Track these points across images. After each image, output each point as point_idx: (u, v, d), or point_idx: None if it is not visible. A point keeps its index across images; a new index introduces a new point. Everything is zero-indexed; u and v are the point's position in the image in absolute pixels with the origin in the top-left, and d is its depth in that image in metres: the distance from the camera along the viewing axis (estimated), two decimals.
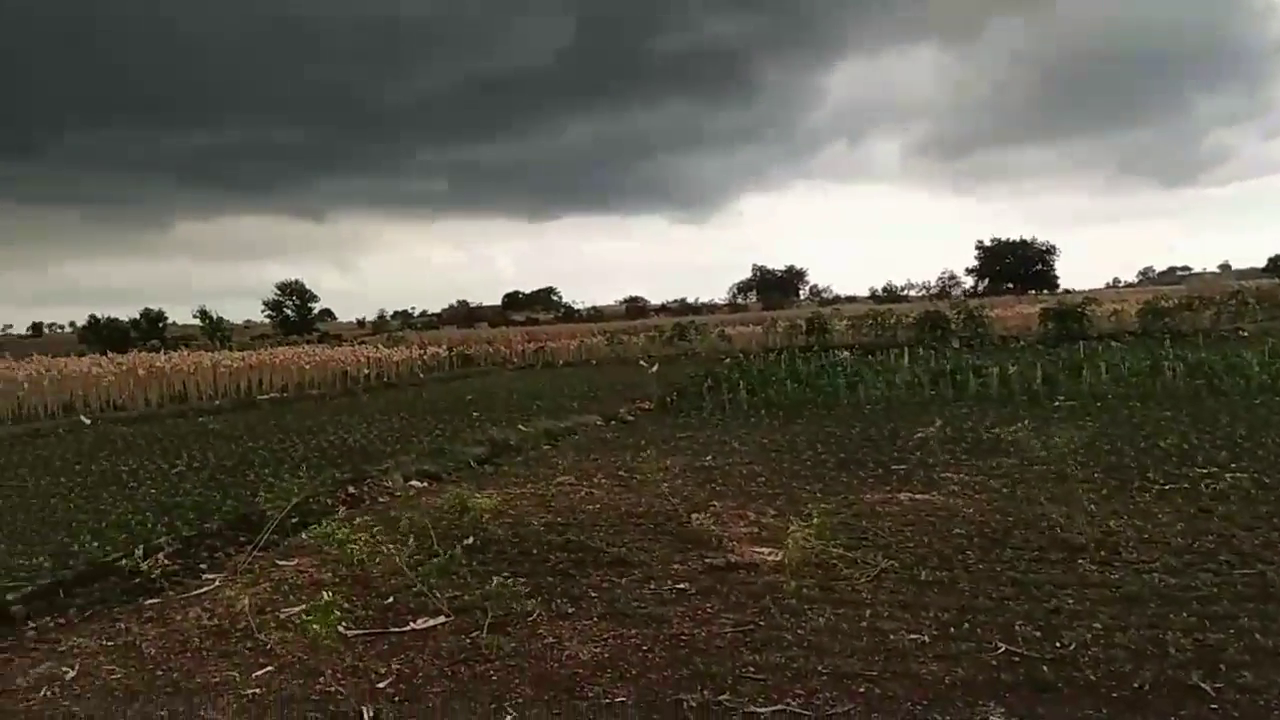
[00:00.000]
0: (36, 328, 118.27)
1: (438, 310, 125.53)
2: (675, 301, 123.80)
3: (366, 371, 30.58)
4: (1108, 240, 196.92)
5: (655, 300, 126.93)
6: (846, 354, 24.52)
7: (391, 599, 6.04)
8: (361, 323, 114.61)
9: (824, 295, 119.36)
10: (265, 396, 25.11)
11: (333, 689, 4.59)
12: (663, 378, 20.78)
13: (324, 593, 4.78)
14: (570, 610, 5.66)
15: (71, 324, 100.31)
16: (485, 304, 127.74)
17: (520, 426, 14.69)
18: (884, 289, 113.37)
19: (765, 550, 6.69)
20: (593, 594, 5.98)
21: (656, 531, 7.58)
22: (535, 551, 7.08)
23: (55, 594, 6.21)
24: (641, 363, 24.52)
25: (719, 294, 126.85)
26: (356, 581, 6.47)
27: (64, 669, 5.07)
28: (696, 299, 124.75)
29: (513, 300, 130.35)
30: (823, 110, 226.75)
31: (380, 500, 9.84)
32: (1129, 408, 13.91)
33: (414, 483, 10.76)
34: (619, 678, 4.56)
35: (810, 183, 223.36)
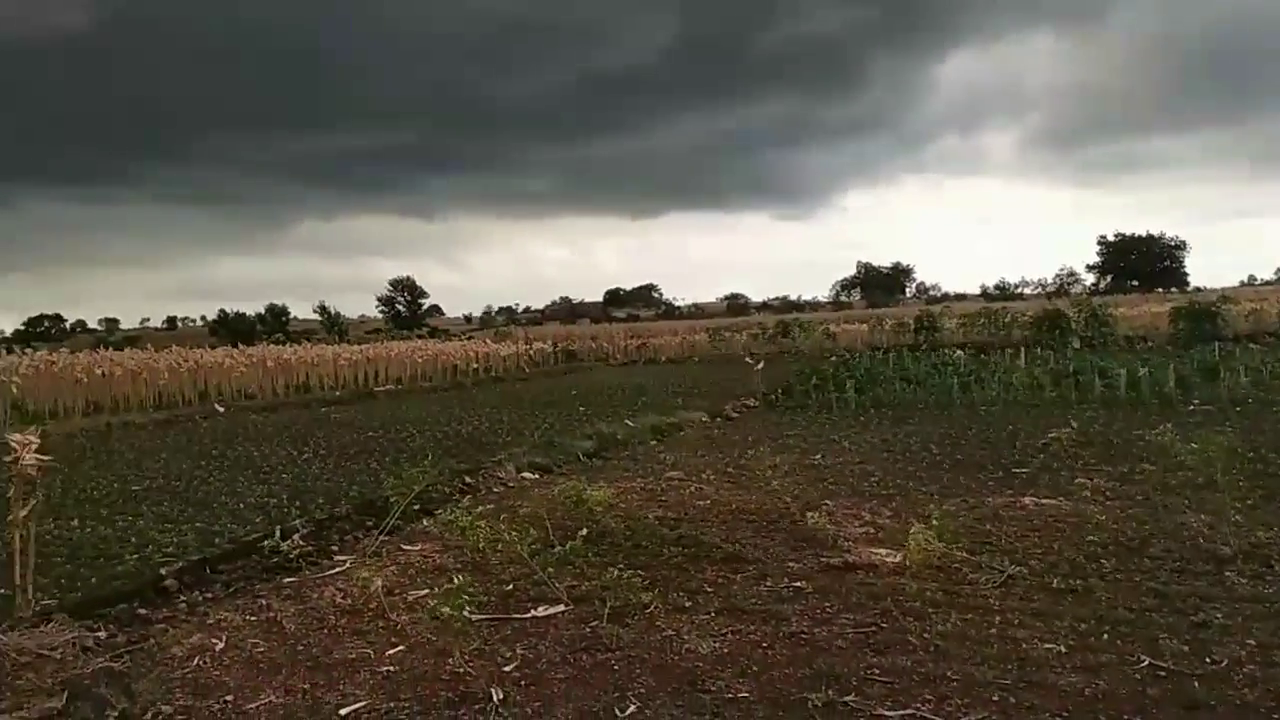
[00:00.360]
0: (171, 321, 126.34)
1: (541, 306, 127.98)
2: (777, 299, 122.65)
3: (475, 366, 31.44)
4: (1242, 235, 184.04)
5: (757, 297, 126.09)
6: (960, 353, 23.74)
7: (511, 586, 6.19)
8: (468, 318, 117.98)
9: (931, 293, 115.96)
10: (381, 388, 26.11)
11: (461, 670, 4.73)
12: (767, 375, 20.59)
13: (455, 577, 4.94)
14: (687, 604, 5.68)
15: (203, 318, 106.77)
16: (587, 300, 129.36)
17: (627, 422, 14.82)
18: (996, 286, 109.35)
19: (883, 551, 6.55)
20: (708, 589, 5.98)
21: (769, 528, 7.53)
22: (648, 545, 7.13)
23: (203, 570, 6.62)
24: (747, 359, 24.37)
25: (822, 291, 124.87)
26: (477, 568, 6.65)
27: (213, 640, 5.40)
28: (799, 296, 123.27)
29: (614, 297, 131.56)
30: (934, 101, 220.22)
31: (494, 490, 10.10)
32: (1273, 413, 13.00)
33: (526, 474, 11.00)
34: (740, 673, 4.54)
35: (919, 177, 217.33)
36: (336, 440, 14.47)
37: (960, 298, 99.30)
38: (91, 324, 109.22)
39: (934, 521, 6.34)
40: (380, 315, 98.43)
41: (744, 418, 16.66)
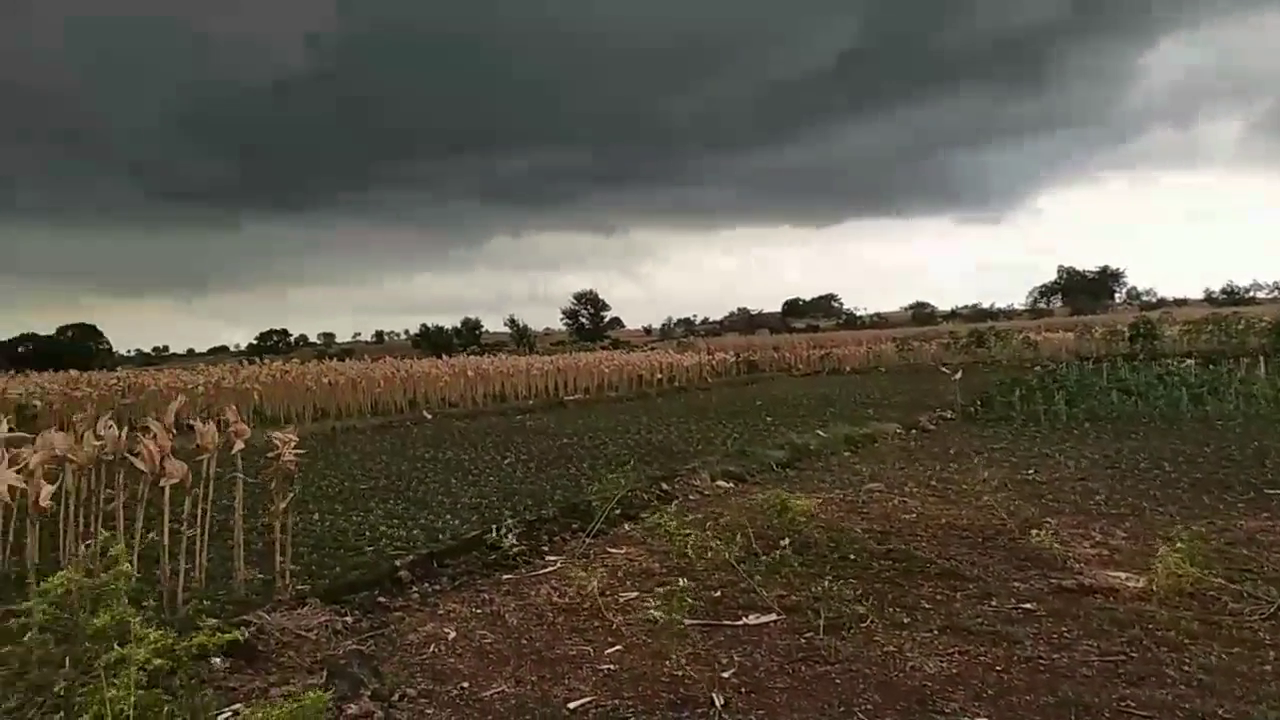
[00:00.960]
0: (379, 335, 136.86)
1: (719, 318, 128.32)
2: (966, 306, 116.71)
3: (659, 376, 31.92)
4: None
5: (943, 305, 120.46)
6: (1190, 363, 21.59)
7: (719, 592, 6.19)
8: (648, 330, 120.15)
9: (1145, 298, 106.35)
10: (571, 397, 27.05)
11: (680, 673, 4.77)
12: (963, 386, 19.59)
13: (679, 580, 5.01)
14: (906, 620, 5.46)
15: (406, 331, 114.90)
16: (766, 311, 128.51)
17: (818, 432, 14.55)
18: (1224, 290, 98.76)
19: (1122, 575, 6.03)
20: (927, 605, 5.73)
21: (986, 545, 7.12)
22: (855, 557, 6.93)
23: (430, 563, 7.06)
24: (943, 369, 23.29)
25: (1016, 298, 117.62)
26: (683, 573, 6.70)
27: (445, 630, 5.74)
28: (992, 304, 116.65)
29: (793, 307, 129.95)
30: (1141, 92, 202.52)
31: (690, 497, 10.17)
32: None
33: (720, 482, 11.01)
34: (974, 697, 4.30)
35: (1125, 173, 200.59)
36: (535, 446, 15.10)
37: (1180, 303, 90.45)
38: (312, 338, 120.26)
39: (1180, 544, 5.77)
40: (565, 327, 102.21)
41: (941, 430, 15.92)
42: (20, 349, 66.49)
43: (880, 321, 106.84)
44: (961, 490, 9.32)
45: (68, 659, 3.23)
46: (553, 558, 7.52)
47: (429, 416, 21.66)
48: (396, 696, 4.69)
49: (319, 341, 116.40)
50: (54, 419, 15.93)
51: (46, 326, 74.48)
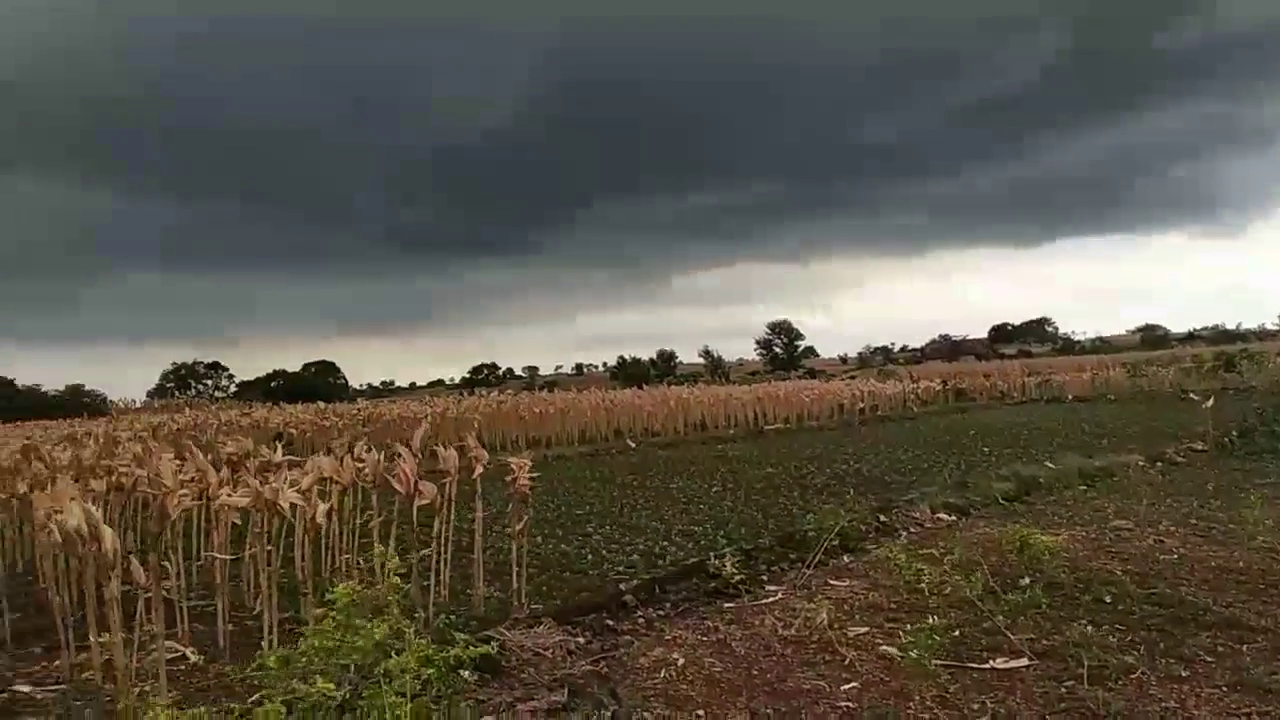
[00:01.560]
0: (579, 368, 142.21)
1: (919, 345, 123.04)
2: (1207, 328, 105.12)
3: (861, 405, 30.96)
4: None
5: (1175, 328, 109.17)
6: None
7: (958, 631, 5.82)
8: (844, 359, 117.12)
9: None
10: (771, 426, 26.78)
11: (928, 716, 4.51)
12: (1215, 414, 17.54)
13: (931, 618, 4.76)
14: (1184, 673, 4.88)
15: (604, 364, 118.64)
16: (971, 337, 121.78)
17: (1046, 464, 13.49)
18: None
19: None
20: (1208, 658, 5.09)
21: (1271, 592, 6.27)
22: (1110, 600, 6.30)
23: (653, 588, 7.14)
24: (1192, 396, 21.02)
25: (1268, 318, 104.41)
26: (914, 609, 6.38)
27: (673, 655, 5.76)
28: (1239, 324, 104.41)
29: (1002, 332, 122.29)
30: None
31: (910, 530, 9.70)
32: None
33: (941, 515, 10.44)
34: None
35: None
36: (740, 475, 15.01)
37: None
38: (518, 371, 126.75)
39: None
40: (759, 357, 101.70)
41: (1193, 463, 14.30)
42: (273, 384, 74.51)
43: (1103, 346, 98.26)
44: (1229, 530, 8.30)
45: (351, 665, 3.51)
46: (772, 587, 7.39)
47: (633, 445, 22.12)
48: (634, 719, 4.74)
49: (524, 375, 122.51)
50: (306, 445, 17.71)
51: (293, 363, 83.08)
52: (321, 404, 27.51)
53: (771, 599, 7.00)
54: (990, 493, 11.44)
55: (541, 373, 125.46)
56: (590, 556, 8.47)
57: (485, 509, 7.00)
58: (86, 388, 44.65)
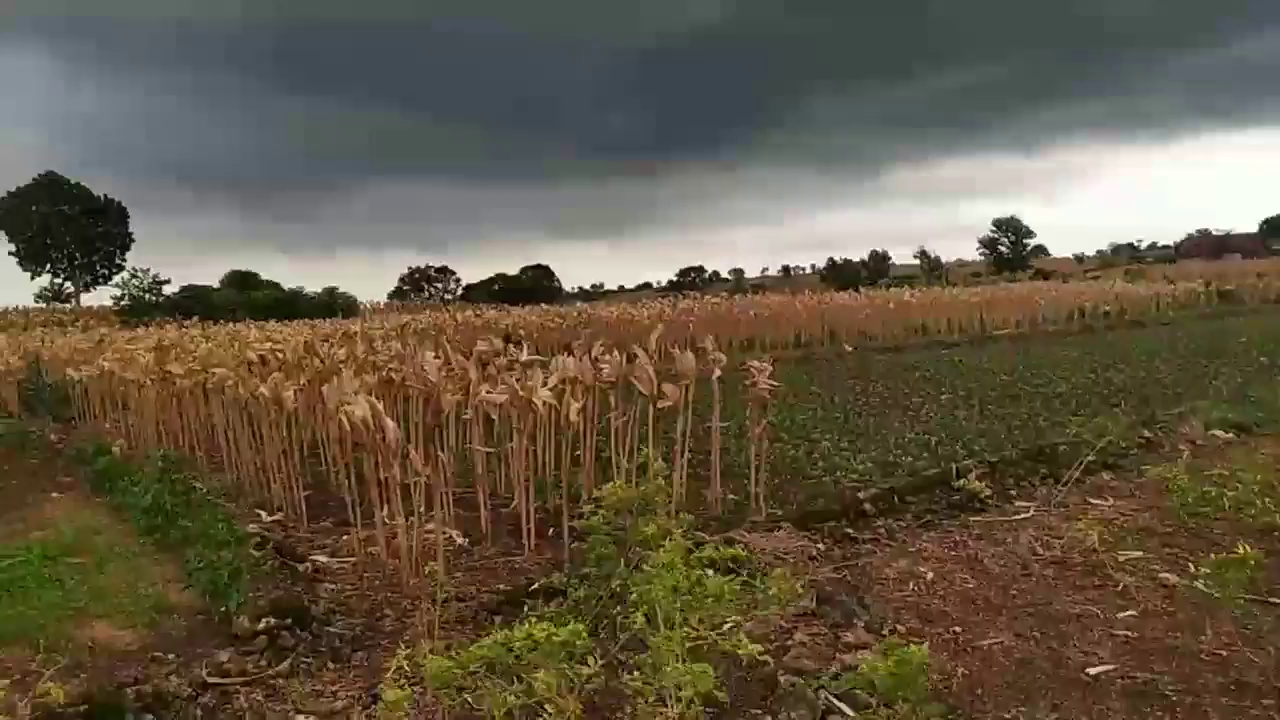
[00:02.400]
0: (785, 270, 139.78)
1: (1173, 242, 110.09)
2: None
3: (1106, 309, 28.25)
4: None
5: None
6: None
7: (1252, 562, 5.18)
8: (1079, 258, 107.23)
9: None
10: (1001, 332, 25.10)
11: (1224, 653, 4.07)
12: None
13: (1240, 546, 4.27)
14: None
15: (813, 266, 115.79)
16: (1236, 232, 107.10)
17: None
18: None
19: None
20: None
21: None
22: None
23: (892, 499, 6.92)
24: None
25: None
26: (1194, 535, 5.78)
27: (920, 569, 5.55)
28: None
29: (1275, 226, 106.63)
30: None
31: (1179, 448, 8.76)
32: None
33: (1218, 432, 9.33)
34: None
35: None
36: (970, 383, 14.19)
37: None
38: (724, 274, 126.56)
39: None
40: (981, 257, 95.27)
41: None
42: (494, 286, 79.12)
43: None
44: None
45: (622, 560, 3.62)
46: (1023, 504, 6.93)
47: (849, 349, 21.51)
48: (886, 631, 4.62)
49: (730, 278, 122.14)
50: (532, 345, 18.68)
51: (512, 267, 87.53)
52: (544, 306, 28.80)
53: (1023, 516, 6.57)
54: (1278, 408, 10.10)
55: (748, 275, 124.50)
56: (821, 463, 8.33)
57: (716, 408, 6.99)
58: (339, 290, 49.56)
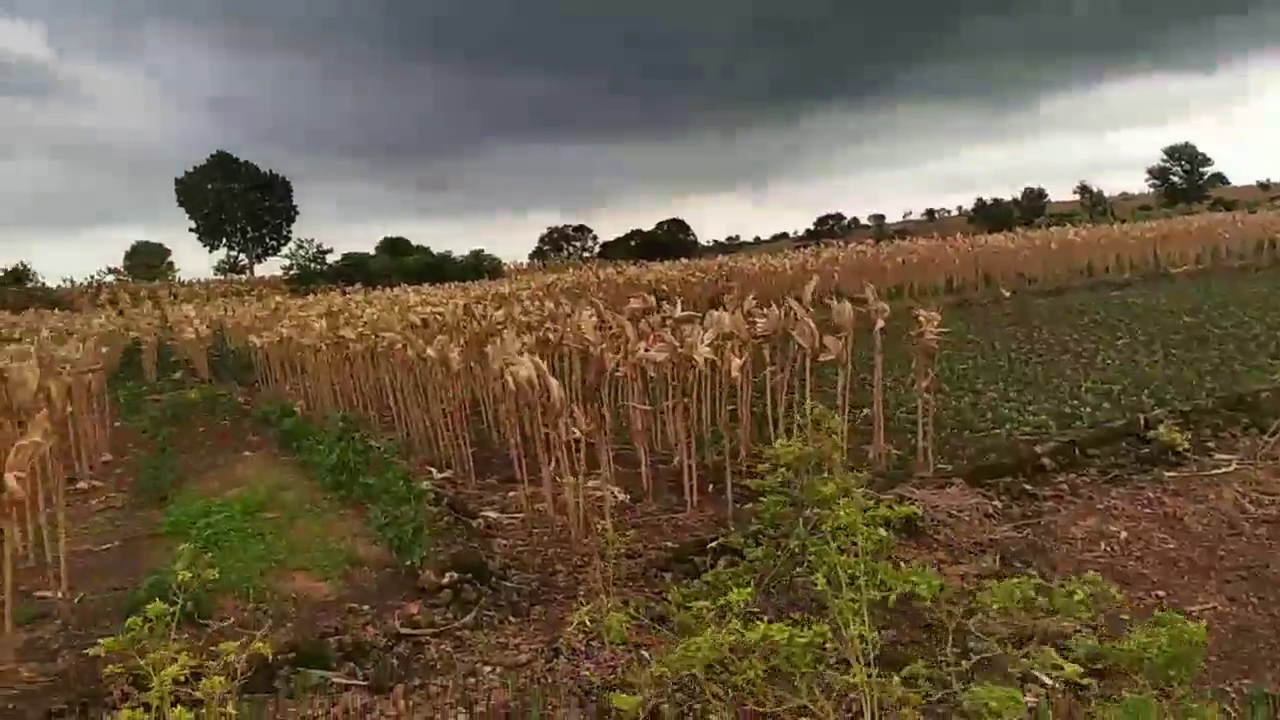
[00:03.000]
0: (930, 213, 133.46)
1: None
2: None
3: None
4: None
5: None
6: None
7: None
8: (1264, 185, 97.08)
9: None
10: (1178, 269, 23.08)
11: None
12: None
13: None
14: None
15: (959, 208, 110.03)
16: None
17: None
18: None
19: None
20: None
21: None
22: None
23: (1073, 451, 6.48)
24: None
25: None
26: None
27: (1110, 528, 5.18)
28: None
29: None
30: None
31: None
32: None
33: None
34: None
35: None
36: (1149, 326, 13.11)
37: None
38: (863, 220, 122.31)
39: None
40: (1150, 189, 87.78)
41: None
42: (631, 243, 79.54)
43: None
44: None
45: (800, 520, 3.53)
46: (1224, 457, 6.35)
47: (1007, 294, 20.34)
48: None
49: (870, 224, 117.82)
50: (674, 300, 18.67)
51: (648, 223, 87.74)
52: (682, 260, 28.69)
53: (1225, 470, 6.03)
54: None
55: (889, 221, 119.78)
56: (989, 415, 7.90)
57: (879, 361, 6.72)
58: (484, 253, 51.20)
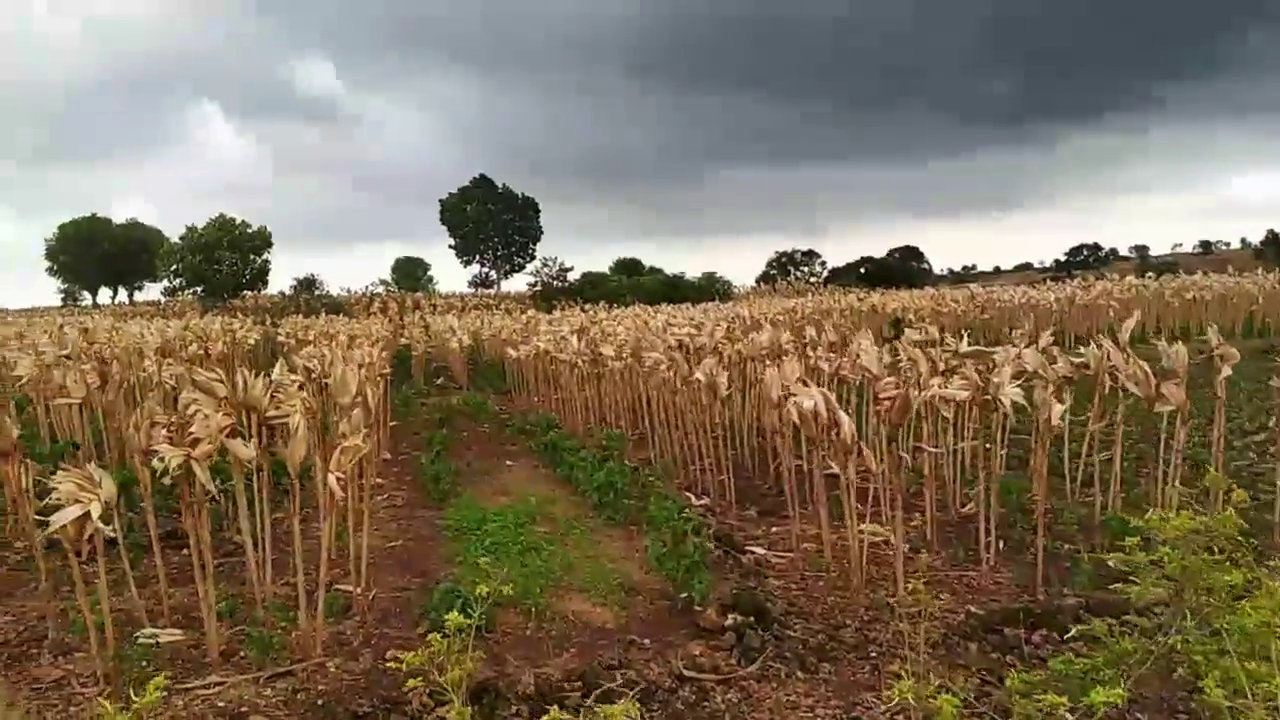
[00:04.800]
0: (1205, 245, 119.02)
1: None
2: None
3: None
4: None
5: None
6: None
7: None
8: None
9: None
10: None
11: None
12: None
13: None
14: None
15: (1243, 240, 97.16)
16: None
17: None
18: None
19: None
20: None
21: None
22: None
23: None
24: None
25: None
26: None
27: None
28: None
29: None
30: None
31: None
32: None
33: None
34: None
35: None
36: None
37: None
38: (1122, 252, 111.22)
39: None
40: None
41: None
42: (861, 270, 77.14)
43: None
44: None
45: (1184, 611, 2.90)
46: None
47: None
48: None
49: (1131, 255, 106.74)
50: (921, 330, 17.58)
51: (875, 248, 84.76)
52: (932, 289, 27.17)
53: None
54: None
55: (1154, 253, 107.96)
56: None
57: (1221, 416, 5.74)
58: (717, 275, 51.52)
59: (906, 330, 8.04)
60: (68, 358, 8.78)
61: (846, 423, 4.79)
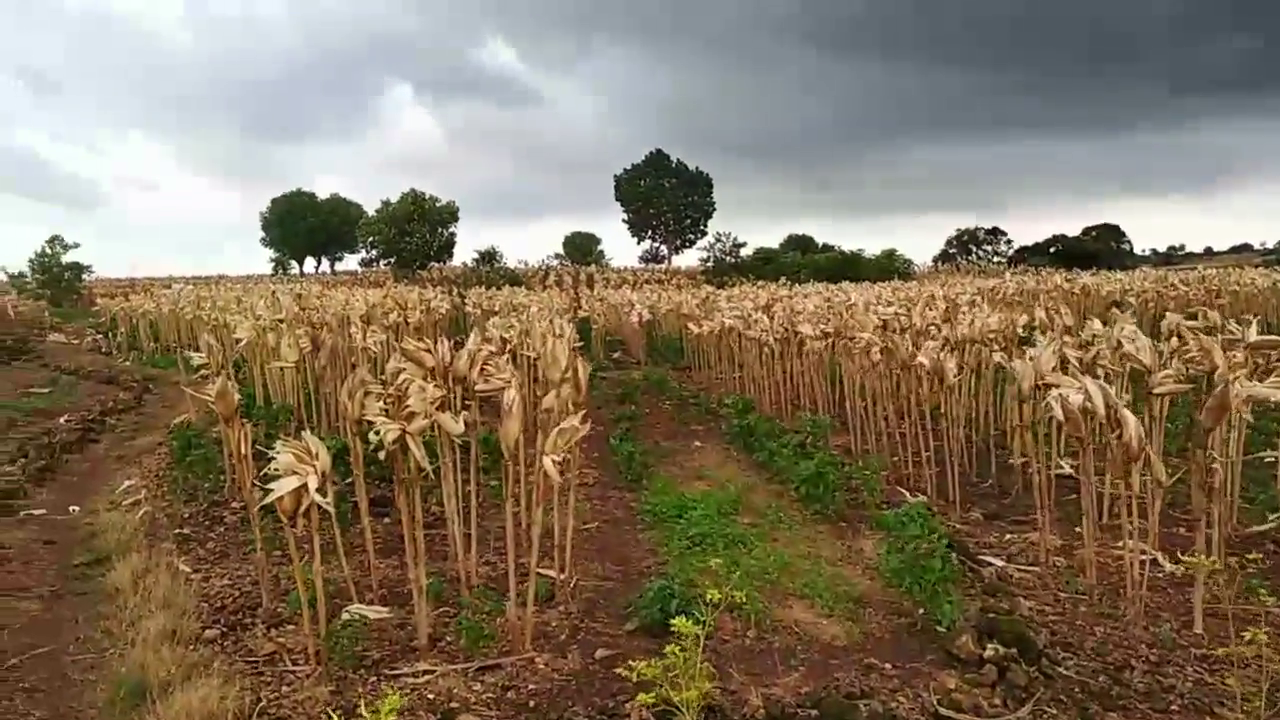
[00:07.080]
0: None
1: None
2: None
3: None
4: None
5: None
6: None
7: None
8: None
9: None
10: None
11: None
12: None
13: None
14: None
15: None
16: None
17: None
18: None
19: None
20: None
21: None
22: None
23: None
24: None
25: None
26: None
27: None
28: None
29: None
30: None
31: None
32: None
33: None
34: None
35: None
36: None
37: None
38: None
39: None
40: None
41: None
42: (1051, 249, 71.39)
43: None
44: None
45: None
46: None
47: None
48: None
49: None
50: (1147, 316, 15.72)
51: (1066, 226, 78.17)
52: (1160, 271, 24.48)
53: None
54: None
55: None
56: None
57: None
58: (897, 253, 49.09)
59: (1167, 315, 6.94)
60: (281, 322, 9.12)
61: (1133, 423, 4.01)
